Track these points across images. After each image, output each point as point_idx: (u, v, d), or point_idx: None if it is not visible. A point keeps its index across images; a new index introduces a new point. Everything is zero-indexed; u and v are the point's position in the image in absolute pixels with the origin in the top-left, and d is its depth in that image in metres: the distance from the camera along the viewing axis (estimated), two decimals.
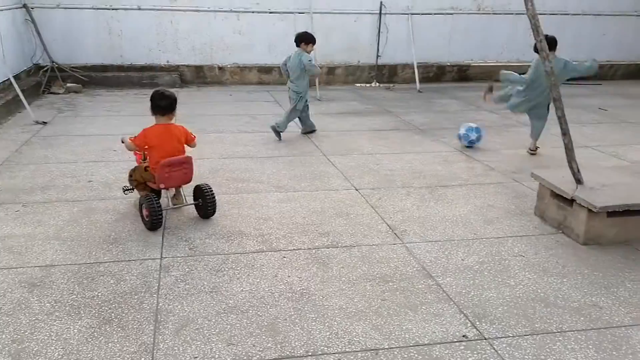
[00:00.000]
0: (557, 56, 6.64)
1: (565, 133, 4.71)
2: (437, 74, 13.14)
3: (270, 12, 12.02)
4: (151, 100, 4.82)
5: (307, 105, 7.93)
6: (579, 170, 4.77)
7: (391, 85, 12.52)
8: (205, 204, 4.86)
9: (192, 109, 9.56)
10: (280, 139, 7.66)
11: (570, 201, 4.68)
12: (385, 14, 12.40)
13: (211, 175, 6.04)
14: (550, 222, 4.96)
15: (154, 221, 4.59)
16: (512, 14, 12.78)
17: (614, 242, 4.58)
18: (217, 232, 4.67)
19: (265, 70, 12.36)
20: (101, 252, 4.27)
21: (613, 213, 4.51)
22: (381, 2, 12.32)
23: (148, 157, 4.88)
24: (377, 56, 12.62)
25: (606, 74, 13.99)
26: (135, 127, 5.20)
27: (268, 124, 7.88)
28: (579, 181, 4.77)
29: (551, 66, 4.75)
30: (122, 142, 4.85)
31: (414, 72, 12.35)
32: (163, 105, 4.78)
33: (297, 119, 8.00)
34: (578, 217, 4.62)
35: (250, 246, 4.44)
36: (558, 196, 4.85)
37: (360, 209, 5.24)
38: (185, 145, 4.96)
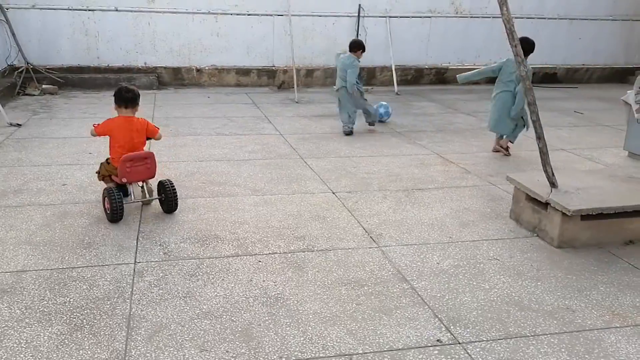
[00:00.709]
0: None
1: (540, 137, 4.74)
2: (415, 77, 13.20)
3: (249, 14, 11.98)
4: (116, 93, 4.97)
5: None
6: (553, 174, 4.81)
7: (369, 87, 12.53)
8: (167, 198, 5.01)
9: (169, 111, 9.50)
10: (373, 127, 8.48)
11: (545, 205, 4.72)
12: (363, 16, 12.43)
13: (187, 179, 6.00)
14: (525, 226, 5.00)
15: (114, 213, 4.76)
16: (489, 17, 12.84)
17: (588, 245, 4.63)
18: (192, 236, 4.63)
19: (244, 72, 12.32)
20: (74, 257, 4.21)
21: (587, 216, 4.55)
22: (359, 5, 12.34)
23: (109, 148, 5.01)
24: None
25: (582, 77, 14.17)
26: None
27: (248, 127, 7.83)
28: (553, 185, 4.80)
29: (526, 70, 4.79)
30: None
31: (392, 75, 12.39)
32: (128, 97, 4.93)
33: (344, 115, 8.26)
34: (552, 220, 4.65)
35: (226, 250, 4.40)
36: (533, 199, 4.88)
37: (336, 213, 5.23)
38: (150, 140, 5.20)
